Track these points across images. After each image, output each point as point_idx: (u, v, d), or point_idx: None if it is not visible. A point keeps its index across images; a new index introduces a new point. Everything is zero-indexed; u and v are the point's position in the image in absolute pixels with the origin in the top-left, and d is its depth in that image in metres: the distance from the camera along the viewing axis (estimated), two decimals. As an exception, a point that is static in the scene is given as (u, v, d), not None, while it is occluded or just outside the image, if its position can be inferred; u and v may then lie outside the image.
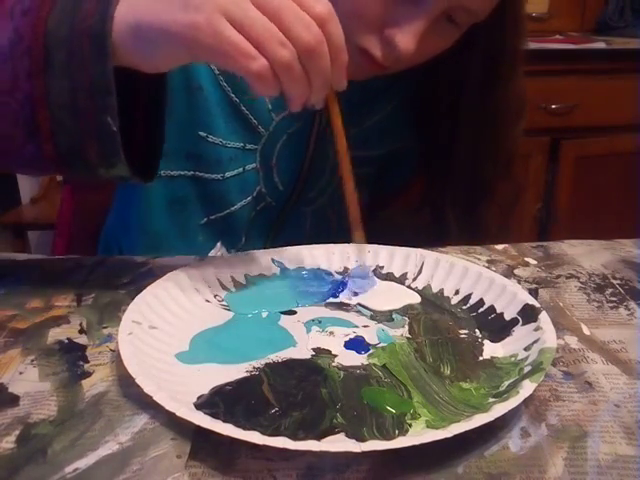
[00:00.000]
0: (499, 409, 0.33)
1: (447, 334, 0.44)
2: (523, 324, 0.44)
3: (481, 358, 0.42)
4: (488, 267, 0.54)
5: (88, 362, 0.40)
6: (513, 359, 0.40)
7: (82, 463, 0.32)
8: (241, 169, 0.65)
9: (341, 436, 0.33)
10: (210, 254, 0.66)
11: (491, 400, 0.36)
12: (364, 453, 0.30)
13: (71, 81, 0.39)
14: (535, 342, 0.41)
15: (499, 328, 0.44)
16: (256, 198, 0.67)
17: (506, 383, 0.38)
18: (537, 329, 0.42)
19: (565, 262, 0.56)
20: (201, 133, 0.62)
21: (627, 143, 1.76)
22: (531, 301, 0.45)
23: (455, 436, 0.31)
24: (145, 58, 0.40)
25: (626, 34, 1.94)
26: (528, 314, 0.44)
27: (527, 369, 0.38)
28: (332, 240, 0.56)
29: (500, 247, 0.60)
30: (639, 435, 0.33)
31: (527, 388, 0.35)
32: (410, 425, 0.34)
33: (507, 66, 0.62)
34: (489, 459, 0.32)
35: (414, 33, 0.52)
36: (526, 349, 0.41)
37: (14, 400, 0.36)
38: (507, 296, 0.47)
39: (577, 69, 1.73)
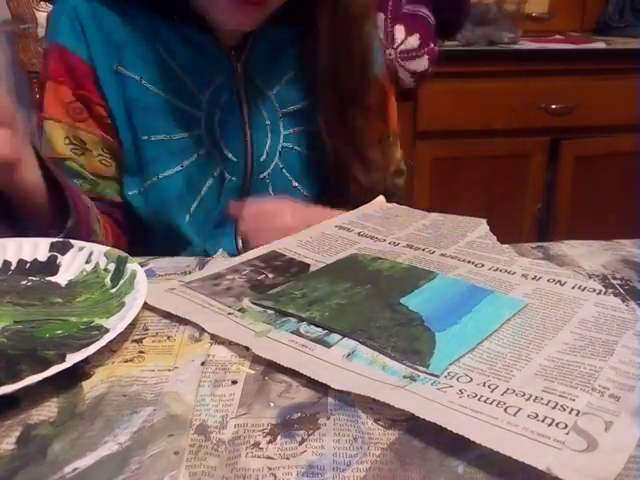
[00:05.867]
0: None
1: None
2: None
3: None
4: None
5: (89, 363, 0.40)
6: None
7: (81, 463, 0.32)
8: (195, 155, 0.72)
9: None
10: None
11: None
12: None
13: None
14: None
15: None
16: (218, 179, 0.73)
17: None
18: None
19: (565, 263, 0.56)
20: (143, 137, 0.70)
21: (627, 143, 1.76)
22: None
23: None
24: None
25: (626, 34, 1.94)
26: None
27: None
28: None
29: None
30: (639, 435, 0.33)
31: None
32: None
33: None
34: (489, 459, 0.32)
35: None
36: None
37: (14, 401, 0.36)
38: None
39: (577, 69, 1.73)
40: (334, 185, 0.78)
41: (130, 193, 0.72)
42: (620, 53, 1.76)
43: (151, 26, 0.69)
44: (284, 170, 0.77)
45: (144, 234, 0.74)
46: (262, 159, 0.75)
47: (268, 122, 0.75)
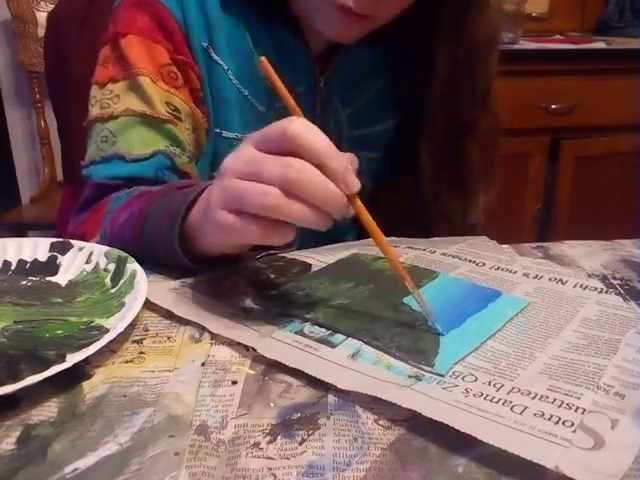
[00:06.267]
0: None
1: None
2: None
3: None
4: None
5: (89, 363, 0.40)
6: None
7: (82, 463, 0.32)
8: None
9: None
10: None
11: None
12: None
13: (153, 246, 0.52)
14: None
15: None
16: None
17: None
18: None
19: (565, 263, 0.56)
20: (216, 130, 0.66)
21: (627, 143, 1.76)
22: None
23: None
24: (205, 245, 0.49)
25: (626, 34, 1.94)
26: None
27: None
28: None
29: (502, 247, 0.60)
30: (638, 435, 0.33)
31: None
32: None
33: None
34: (489, 459, 0.32)
35: None
36: None
37: (14, 401, 0.36)
38: None
39: (577, 69, 1.73)
40: (417, 218, 0.71)
41: None
42: (620, 53, 1.76)
43: (242, 12, 0.64)
44: None
45: None
46: None
47: (335, 138, 0.71)
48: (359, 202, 0.41)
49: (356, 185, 0.40)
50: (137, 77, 0.62)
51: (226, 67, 0.65)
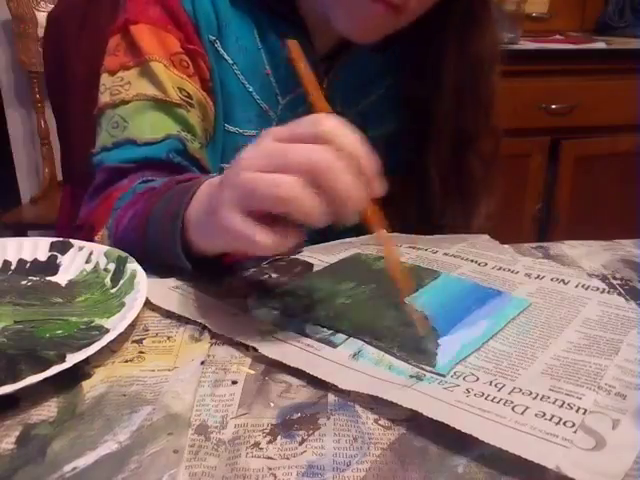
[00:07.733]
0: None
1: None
2: None
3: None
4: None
5: (89, 363, 0.40)
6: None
7: (81, 462, 0.32)
8: None
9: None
10: None
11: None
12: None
13: (157, 249, 0.51)
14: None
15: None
16: None
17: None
18: None
19: (565, 263, 0.56)
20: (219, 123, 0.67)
21: (627, 143, 1.76)
22: None
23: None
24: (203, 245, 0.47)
25: (626, 34, 1.94)
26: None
27: None
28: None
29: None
30: (639, 435, 0.33)
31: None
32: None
33: (482, 15, 0.66)
34: (489, 459, 0.32)
35: None
36: None
37: (14, 401, 0.36)
38: None
39: (577, 69, 1.73)
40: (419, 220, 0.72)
41: None
42: (620, 53, 1.76)
43: (251, 10, 0.65)
44: None
45: None
46: None
47: None
48: (374, 207, 0.40)
49: (381, 189, 0.39)
50: (149, 63, 0.62)
51: (232, 62, 0.66)
